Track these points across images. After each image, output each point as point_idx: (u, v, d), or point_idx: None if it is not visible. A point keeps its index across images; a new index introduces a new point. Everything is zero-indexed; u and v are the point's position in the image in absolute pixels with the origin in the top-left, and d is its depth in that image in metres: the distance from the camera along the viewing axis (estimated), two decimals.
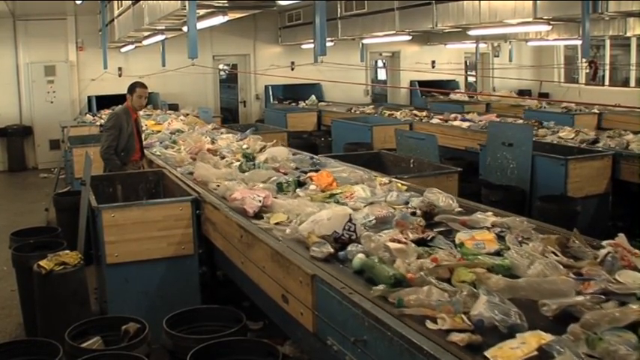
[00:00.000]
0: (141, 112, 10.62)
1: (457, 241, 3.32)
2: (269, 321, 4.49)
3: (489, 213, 3.87)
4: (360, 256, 3.10)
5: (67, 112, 13.59)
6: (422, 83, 16.01)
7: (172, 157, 6.76)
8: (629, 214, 7.02)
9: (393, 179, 4.96)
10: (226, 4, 7.35)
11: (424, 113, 11.34)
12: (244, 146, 7.00)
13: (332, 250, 3.28)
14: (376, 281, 2.83)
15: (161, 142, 7.88)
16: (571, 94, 14.79)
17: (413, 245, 3.21)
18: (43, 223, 8.12)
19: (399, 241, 3.22)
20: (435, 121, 10.31)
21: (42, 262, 4.38)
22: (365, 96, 16.80)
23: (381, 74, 18.72)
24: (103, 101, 13.32)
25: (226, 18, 7.78)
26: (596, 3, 7.75)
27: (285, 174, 5.23)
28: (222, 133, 8.68)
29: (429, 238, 3.40)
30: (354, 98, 15.46)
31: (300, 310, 3.18)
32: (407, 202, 4.15)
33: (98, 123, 11.16)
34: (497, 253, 3.13)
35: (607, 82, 15.16)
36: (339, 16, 12.68)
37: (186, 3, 6.61)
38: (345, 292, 2.80)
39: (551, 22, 9.64)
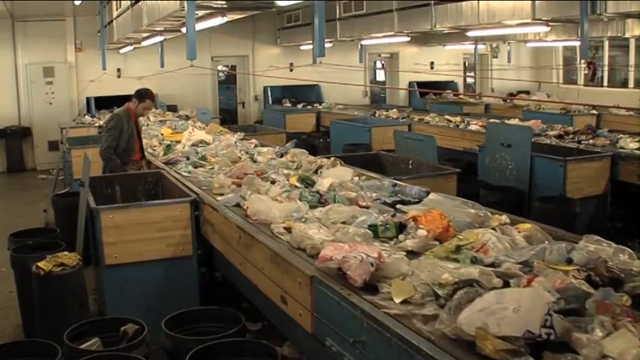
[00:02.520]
0: (151, 117, 10.63)
1: None
2: (268, 322, 4.49)
3: None
4: None
5: (66, 113, 13.57)
6: (420, 84, 16.03)
7: (207, 180, 5.44)
8: (627, 215, 7.02)
9: (530, 223, 3.62)
10: (225, 5, 7.34)
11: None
12: (291, 164, 5.90)
13: None
14: None
15: (188, 159, 6.48)
16: (570, 95, 14.80)
17: None
18: (41, 224, 8.10)
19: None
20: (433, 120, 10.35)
21: (40, 264, 4.38)
22: (364, 97, 16.81)
23: (380, 75, 18.72)
24: (102, 102, 13.33)
25: (225, 19, 7.77)
26: (595, 4, 7.76)
27: (367, 208, 4.10)
28: (255, 145, 7.29)
29: None
30: (353, 99, 15.46)
31: (299, 311, 3.18)
32: (570, 260, 2.88)
33: (97, 124, 11.16)
34: None
35: (605, 83, 15.17)
36: (337, 17, 12.67)
37: (185, 4, 6.61)
38: (344, 293, 2.80)
39: (550, 23, 9.65)
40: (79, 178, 6.16)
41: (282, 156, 6.40)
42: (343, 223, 3.71)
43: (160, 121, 10.88)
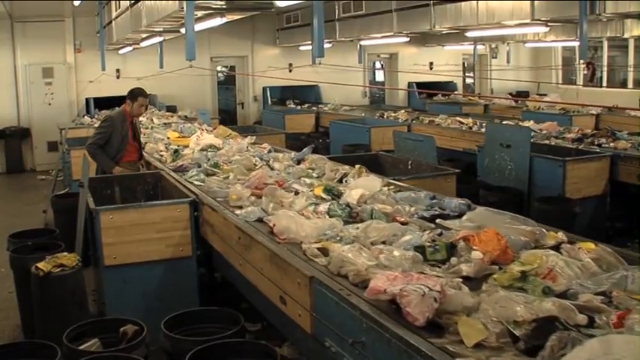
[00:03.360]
0: (155, 119, 10.51)
1: None
2: (267, 323, 4.50)
3: None
4: None
5: (65, 114, 13.57)
6: (420, 85, 16.04)
7: (221, 190, 4.95)
8: (626, 216, 7.03)
9: (592, 242, 3.26)
10: (224, 6, 7.34)
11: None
12: (310, 172, 5.50)
13: None
14: None
15: (199, 166, 6.02)
16: (569, 96, 14.80)
17: None
18: (41, 224, 8.10)
19: None
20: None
21: (40, 264, 4.38)
22: (363, 97, 16.82)
23: (379, 76, 18.73)
24: (101, 103, 13.31)
25: (224, 20, 7.78)
26: (594, 4, 7.76)
27: (406, 224, 3.73)
28: (269, 151, 6.84)
29: None
30: (352, 100, 15.47)
31: (298, 312, 3.18)
32: None
33: (96, 125, 11.13)
34: None
35: (605, 83, 15.19)
36: (337, 17, 12.67)
37: (184, 4, 6.61)
38: (343, 293, 2.80)
39: (549, 24, 9.65)
40: (78, 179, 6.15)
41: (299, 162, 6.00)
42: (383, 243, 3.35)
43: (165, 123, 10.59)
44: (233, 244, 4.17)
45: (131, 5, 9.53)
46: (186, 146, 7.35)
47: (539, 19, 8.64)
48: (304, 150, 6.38)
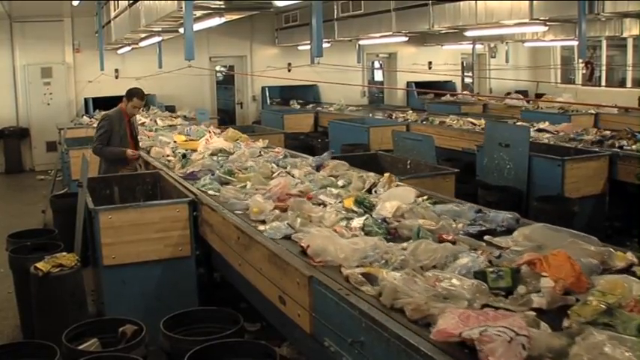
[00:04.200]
0: (159, 121, 10.41)
1: None
2: (266, 322, 4.50)
3: None
4: None
5: (64, 114, 13.57)
6: (419, 84, 16.04)
7: (240, 202, 4.48)
8: (625, 215, 7.04)
9: None
10: (223, 6, 7.34)
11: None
12: (334, 180, 5.03)
13: None
14: None
15: (212, 173, 5.55)
16: (567, 95, 14.80)
17: None
18: (40, 225, 8.11)
19: None
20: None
21: (39, 264, 4.38)
22: (362, 97, 16.81)
23: (378, 75, 18.73)
24: (100, 103, 13.27)
25: (223, 19, 7.78)
26: (593, 3, 7.77)
27: (453, 242, 3.35)
28: (284, 156, 6.46)
29: None
30: (351, 99, 15.47)
31: (298, 312, 3.18)
32: None
33: (95, 125, 11.12)
34: None
35: (603, 82, 15.20)
36: (335, 17, 12.68)
37: (183, 4, 6.61)
38: (342, 293, 2.80)
39: (548, 23, 9.66)
40: (77, 179, 6.16)
41: (318, 169, 5.59)
42: (434, 267, 2.97)
43: (170, 125, 10.03)
44: (232, 243, 4.17)
45: (130, 5, 9.53)
46: (195, 150, 6.92)
47: (538, 19, 8.65)
48: (323, 155, 5.98)
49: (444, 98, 14.58)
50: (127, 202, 5.50)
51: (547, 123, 9.18)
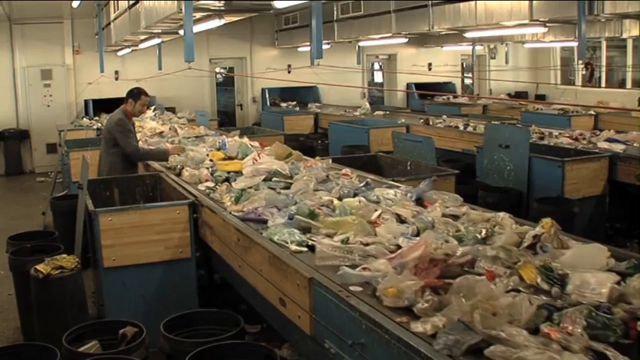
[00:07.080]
0: (178, 129, 10.21)
1: None
2: (267, 324, 4.49)
3: None
4: None
5: (64, 116, 13.58)
6: (418, 86, 16.04)
7: (355, 272, 2.91)
8: (626, 216, 7.04)
9: None
10: (222, 8, 7.35)
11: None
12: (475, 230, 3.44)
13: None
14: None
15: (291, 219, 3.83)
16: (567, 96, 14.82)
17: None
18: (40, 227, 8.10)
19: None
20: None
21: (39, 266, 4.37)
22: (362, 99, 16.80)
23: (378, 77, 18.74)
24: (100, 105, 13.34)
25: (222, 21, 7.78)
26: (592, 4, 7.77)
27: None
28: (365, 183, 4.72)
29: None
30: (351, 101, 15.49)
31: (298, 313, 3.17)
32: None
33: (95, 127, 11.14)
34: None
35: (603, 83, 15.21)
36: (335, 18, 12.69)
37: (183, 6, 6.61)
38: (343, 295, 2.80)
39: (548, 24, 9.66)
40: (77, 181, 6.15)
41: (418, 201, 4.24)
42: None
43: (196, 137, 8.28)
44: (232, 245, 4.16)
45: (130, 7, 9.54)
46: (237, 172, 5.42)
47: (537, 20, 8.65)
48: (422, 186, 4.44)
49: (435, 99, 14.59)
50: (127, 204, 5.50)
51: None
